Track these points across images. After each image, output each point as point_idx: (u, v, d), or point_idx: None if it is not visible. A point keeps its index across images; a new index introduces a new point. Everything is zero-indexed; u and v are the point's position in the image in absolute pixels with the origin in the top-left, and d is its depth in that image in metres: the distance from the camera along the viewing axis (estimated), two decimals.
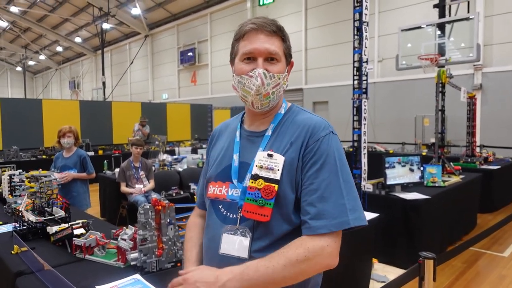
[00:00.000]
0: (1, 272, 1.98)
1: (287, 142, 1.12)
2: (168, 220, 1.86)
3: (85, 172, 4.13)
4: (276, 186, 1.07)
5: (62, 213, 2.46)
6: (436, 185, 4.48)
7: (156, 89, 22.69)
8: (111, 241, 2.10)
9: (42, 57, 31.19)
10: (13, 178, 3.21)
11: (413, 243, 3.79)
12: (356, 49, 4.23)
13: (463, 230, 4.95)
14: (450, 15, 7.08)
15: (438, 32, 6.37)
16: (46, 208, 2.52)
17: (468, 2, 7.56)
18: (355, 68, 4.26)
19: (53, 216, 2.43)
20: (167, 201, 1.92)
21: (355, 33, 4.21)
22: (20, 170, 3.42)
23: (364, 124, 4.27)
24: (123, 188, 4.95)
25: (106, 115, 12.68)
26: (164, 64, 21.88)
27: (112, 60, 26.11)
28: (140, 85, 23.78)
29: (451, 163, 5.74)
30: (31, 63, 33.88)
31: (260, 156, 1.12)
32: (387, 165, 4.10)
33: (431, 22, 6.62)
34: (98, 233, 2.10)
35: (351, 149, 4.46)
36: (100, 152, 10.24)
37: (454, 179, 4.95)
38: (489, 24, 9.84)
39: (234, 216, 1.13)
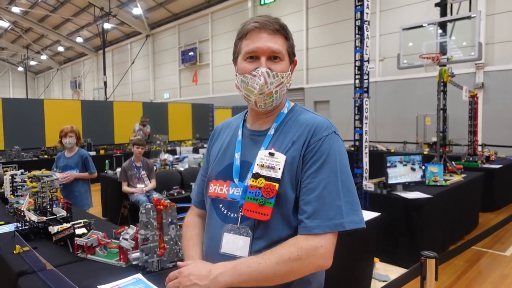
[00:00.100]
0: (3, 271, 1.99)
1: (289, 141, 1.11)
2: (170, 220, 1.87)
3: (86, 172, 4.14)
4: (277, 185, 1.06)
5: (64, 212, 2.47)
6: (438, 184, 4.47)
7: (157, 88, 22.72)
8: (113, 240, 2.10)
9: (43, 57, 31.26)
10: (15, 178, 3.22)
11: (415, 242, 3.78)
12: (358, 48, 4.23)
13: (465, 229, 4.95)
14: (451, 14, 7.06)
15: (440, 31, 6.35)
16: (48, 208, 2.53)
17: (470, 1, 7.52)
18: (356, 67, 4.26)
19: (55, 216, 2.44)
20: (168, 201, 1.92)
21: (356, 32, 4.21)
22: (22, 170, 3.41)
23: (366, 123, 4.28)
24: (125, 187, 4.96)
25: (107, 115, 12.70)
26: (165, 63, 21.89)
27: (113, 60, 26.15)
28: (141, 84, 23.81)
29: (453, 162, 5.74)
30: (32, 63, 33.94)
31: (262, 155, 1.11)
32: (388, 164, 4.10)
33: (433, 21, 6.59)
34: (100, 232, 2.10)
35: (352, 148, 4.46)
36: (102, 152, 10.26)
37: (456, 178, 4.94)
38: (491, 22, 9.80)
39: (235, 215, 1.12)
